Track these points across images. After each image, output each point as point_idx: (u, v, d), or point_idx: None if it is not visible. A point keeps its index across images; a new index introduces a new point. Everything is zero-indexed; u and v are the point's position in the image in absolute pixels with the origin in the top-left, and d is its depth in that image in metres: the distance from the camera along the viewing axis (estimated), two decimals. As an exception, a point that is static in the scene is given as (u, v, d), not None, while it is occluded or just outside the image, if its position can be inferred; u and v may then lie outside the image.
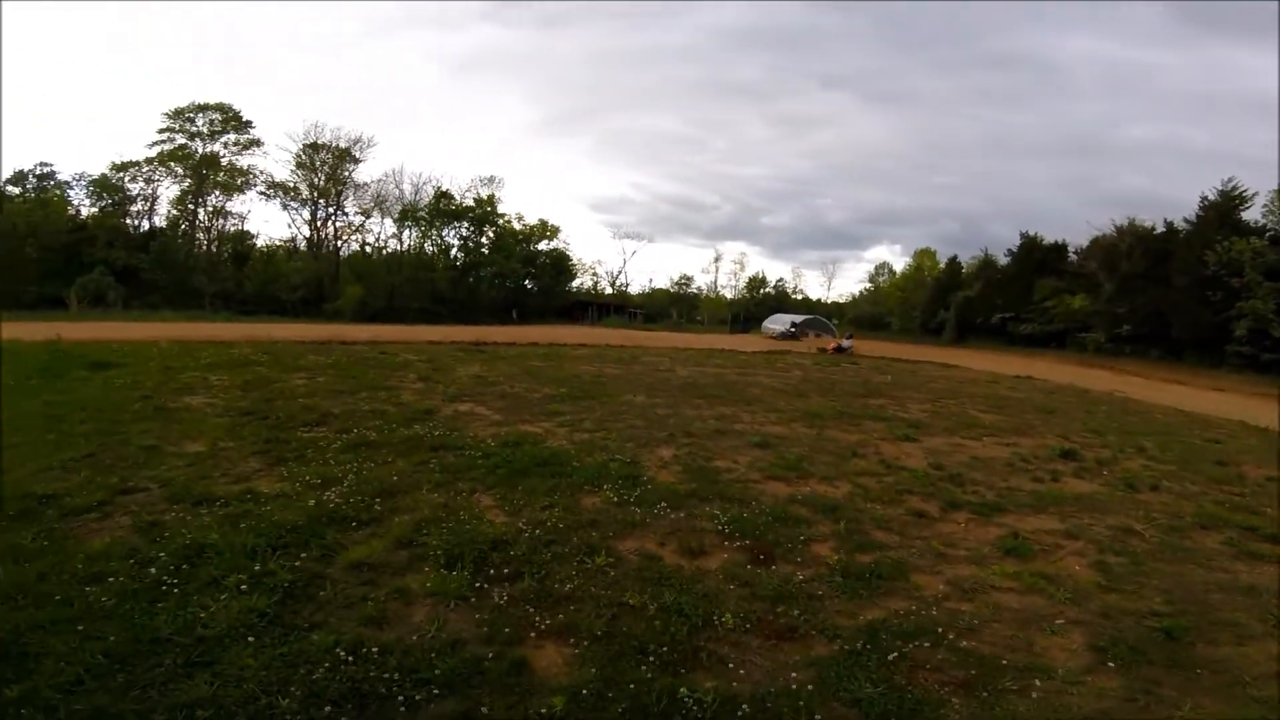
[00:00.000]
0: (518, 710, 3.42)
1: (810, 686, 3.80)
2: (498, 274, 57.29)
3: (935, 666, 4.12)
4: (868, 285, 79.70)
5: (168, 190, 50.34)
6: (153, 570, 4.49)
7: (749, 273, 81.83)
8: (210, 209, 51.64)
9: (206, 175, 49.86)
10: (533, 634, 4.15)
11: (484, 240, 59.30)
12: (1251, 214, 41.61)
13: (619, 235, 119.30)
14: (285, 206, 54.60)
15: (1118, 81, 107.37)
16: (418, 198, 56.78)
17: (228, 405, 10.36)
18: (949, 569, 5.74)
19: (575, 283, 69.79)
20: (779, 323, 56.56)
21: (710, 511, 6.59)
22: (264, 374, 13.82)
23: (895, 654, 4.19)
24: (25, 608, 3.94)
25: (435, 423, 9.86)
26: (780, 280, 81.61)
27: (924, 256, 71.18)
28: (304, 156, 53.20)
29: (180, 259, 47.07)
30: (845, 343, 37.15)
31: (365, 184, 55.84)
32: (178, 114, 49.57)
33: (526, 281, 61.06)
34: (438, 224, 57.48)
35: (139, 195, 49.62)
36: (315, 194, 54.23)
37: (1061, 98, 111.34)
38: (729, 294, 78.08)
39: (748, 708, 3.56)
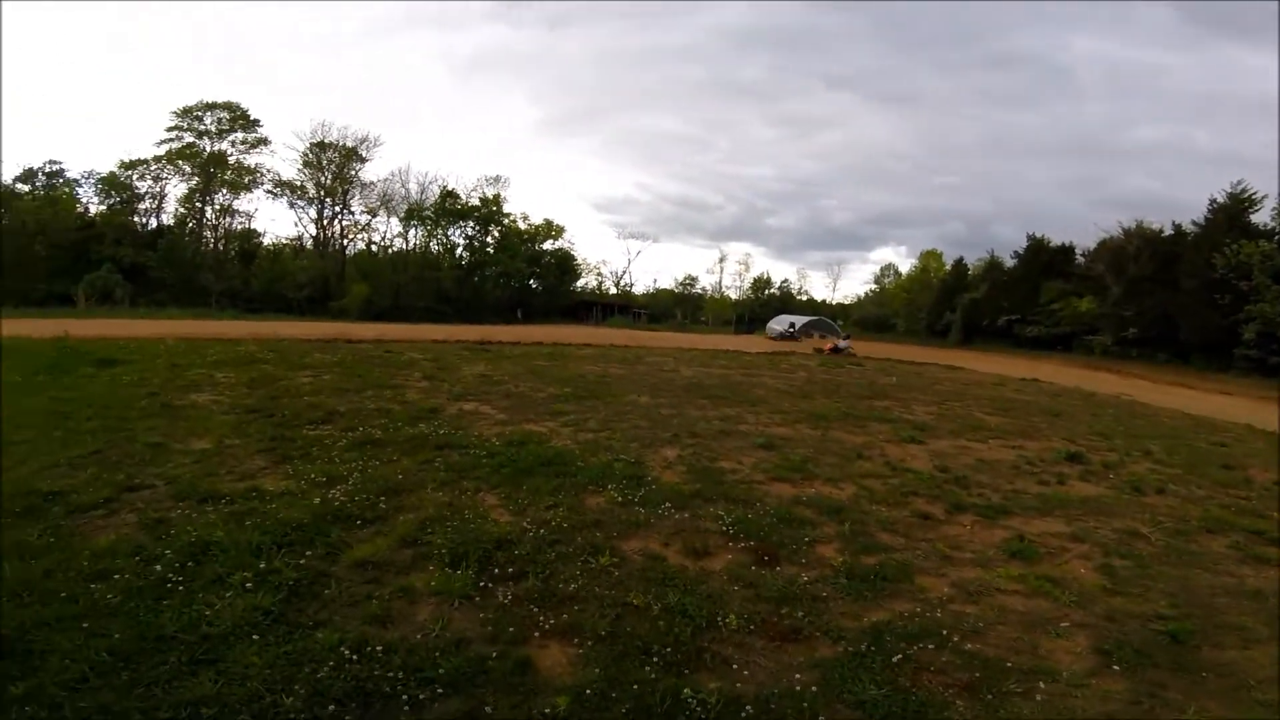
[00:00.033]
0: (522, 710, 3.41)
1: (814, 688, 3.78)
2: (503, 273, 57.46)
3: (939, 669, 4.10)
4: (873, 287, 79.81)
5: (175, 188, 50.83)
6: (158, 568, 4.49)
7: (754, 273, 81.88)
8: (217, 207, 52.06)
9: (214, 173, 50.16)
10: (537, 634, 4.14)
11: (489, 240, 59.52)
12: (1260, 216, 41.57)
13: (623, 235, 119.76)
14: (292, 205, 55.05)
15: (1124, 82, 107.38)
16: (424, 197, 57.09)
17: (234, 403, 10.39)
18: (954, 571, 5.72)
19: (580, 283, 70.05)
20: (783, 323, 56.58)
21: (714, 512, 6.57)
22: (270, 372, 13.86)
23: (900, 656, 4.17)
24: (31, 604, 3.95)
25: (440, 421, 9.87)
26: (785, 281, 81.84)
27: (930, 258, 71.23)
28: (311, 155, 53.54)
29: (187, 257, 47.37)
30: (842, 343, 37.16)
31: (372, 183, 56.26)
32: (186, 112, 49.95)
33: (531, 281, 61.24)
34: (443, 223, 57.72)
35: (147, 193, 50.16)
36: (322, 193, 54.51)
37: (1067, 98, 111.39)
38: (734, 295, 78.23)
39: (751, 709, 3.55)
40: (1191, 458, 12.01)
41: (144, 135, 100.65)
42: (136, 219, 49.41)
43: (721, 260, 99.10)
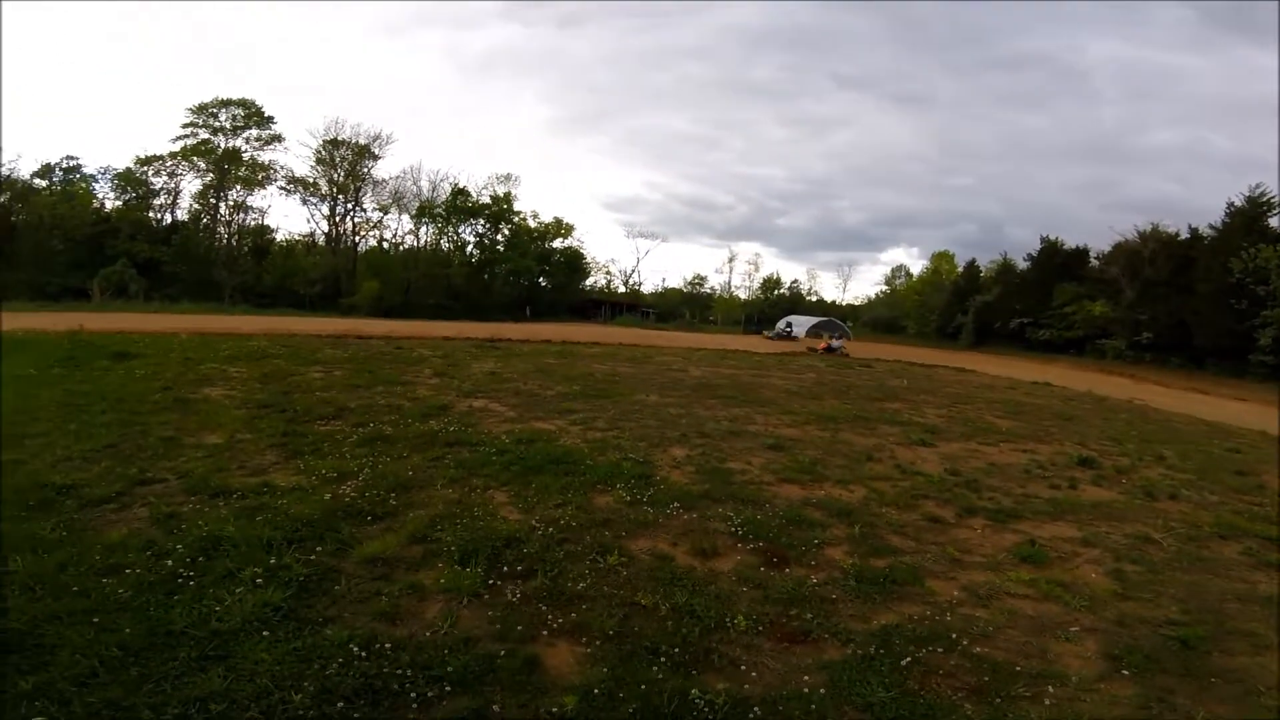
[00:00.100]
0: (529, 709, 3.42)
1: (822, 690, 3.78)
2: (512, 271, 57.59)
3: (948, 672, 4.09)
4: (884, 288, 79.47)
5: (190, 184, 51.12)
6: (169, 562, 4.51)
7: (763, 274, 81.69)
8: (231, 203, 52.31)
9: (228, 170, 50.45)
10: (545, 632, 4.15)
11: (499, 237, 59.61)
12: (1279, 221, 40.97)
13: (633, 234, 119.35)
14: (305, 202, 55.16)
15: (1140, 84, 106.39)
16: (435, 194, 57.19)
17: (246, 397, 10.46)
18: (964, 575, 5.69)
19: (588, 281, 70.02)
20: (793, 324, 56.59)
21: (723, 513, 6.57)
22: (282, 367, 13.96)
23: (908, 659, 4.16)
24: (43, 599, 3.97)
25: (450, 418, 9.90)
26: (795, 282, 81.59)
27: (941, 259, 70.88)
28: (324, 153, 53.73)
29: (201, 252, 47.75)
30: (835, 343, 37.12)
31: (384, 180, 56.35)
32: (201, 109, 50.24)
33: (540, 279, 61.30)
34: (454, 221, 57.87)
35: (162, 189, 50.47)
36: (334, 190, 54.71)
37: (1082, 100, 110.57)
38: (743, 295, 78.08)
39: (759, 710, 3.54)
40: (1205, 463, 11.92)
41: (160, 132, 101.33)
42: (151, 214, 49.78)
43: (731, 260, 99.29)
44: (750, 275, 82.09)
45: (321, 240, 55.62)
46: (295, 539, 5.08)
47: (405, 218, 57.77)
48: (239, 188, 51.74)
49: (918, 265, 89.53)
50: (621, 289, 75.13)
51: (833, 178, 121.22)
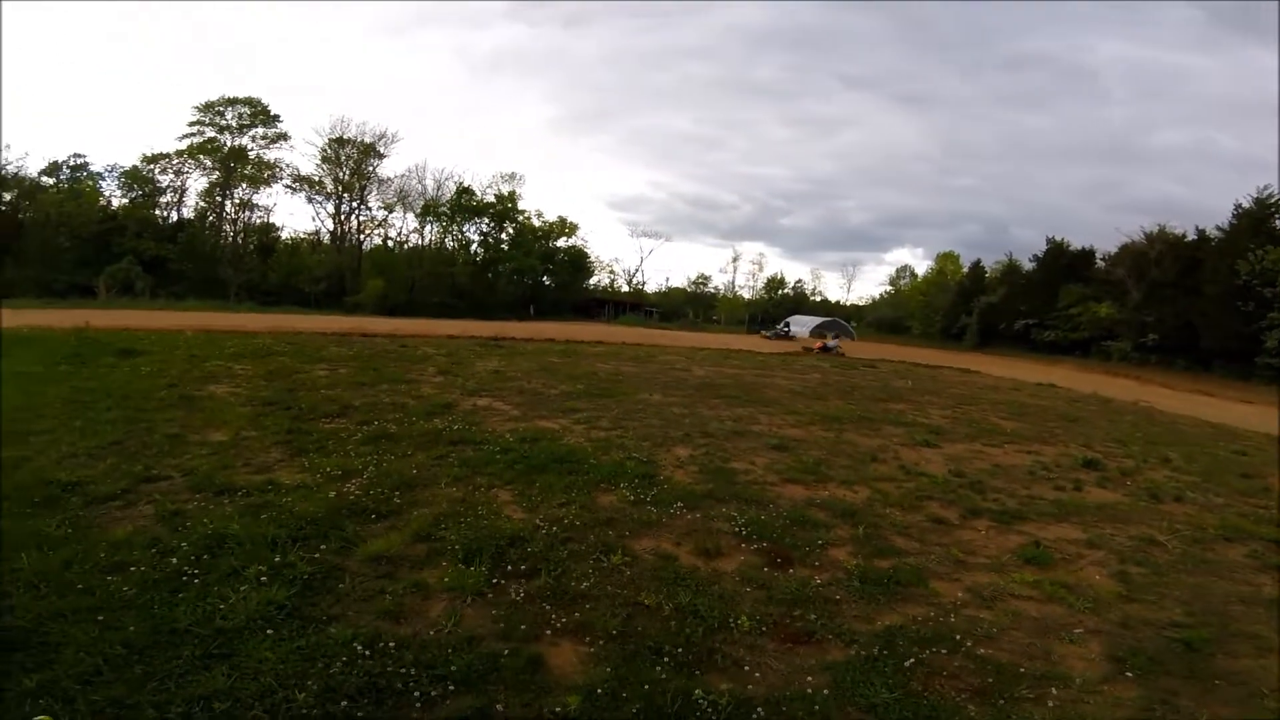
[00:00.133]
0: (533, 708, 3.41)
1: (826, 691, 3.77)
2: (516, 270, 57.60)
3: (952, 673, 4.09)
4: (888, 288, 79.28)
5: (196, 182, 51.25)
6: (174, 560, 4.52)
7: (767, 273, 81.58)
8: (237, 201, 52.40)
9: (234, 168, 50.55)
10: (549, 631, 4.15)
11: (504, 236, 59.63)
12: (1286, 222, 40.72)
13: (637, 233, 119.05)
14: (310, 200, 55.24)
15: (1147, 85, 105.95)
16: (440, 193, 57.22)
17: (251, 395, 10.49)
18: (968, 576, 5.68)
19: (592, 280, 69.99)
20: (798, 324, 56.58)
21: (727, 513, 6.56)
22: (287, 364, 14.00)
23: (912, 660, 4.16)
24: (48, 596, 3.97)
25: (454, 417, 9.91)
26: (799, 281, 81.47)
27: (946, 260, 70.73)
28: (329, 151, 53.81)
29: (207, 250, 47.88)
30: (831, 342, 37.12)
31: (389, 179, 56.41)
32: (208, 107, 50.37)
33: (544, 278, 61.33)
34: (459, 219, 57.92)
35: (168, 187, 50.57)
36: (340, 188, 54.80)
37: (1088, 101, 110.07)
38: (747, 294, 77.96)
39: (762, 710, 3.54)
40: (1210, 466, 11.88)
41: (162, 132, 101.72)
42: (158, 212, 49.88)
43: (735, 260, 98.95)
44: (754, 275, 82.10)
45: (326, 238, 55.75)
46: (300, 537, 5.09)
47: (410, 216, 57.86)
48: (245, 186, 51.87)
49: (922, 266, 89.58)
50: (625, 288, 75.13)
51: (837, 177, 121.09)
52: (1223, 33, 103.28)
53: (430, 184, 57.59)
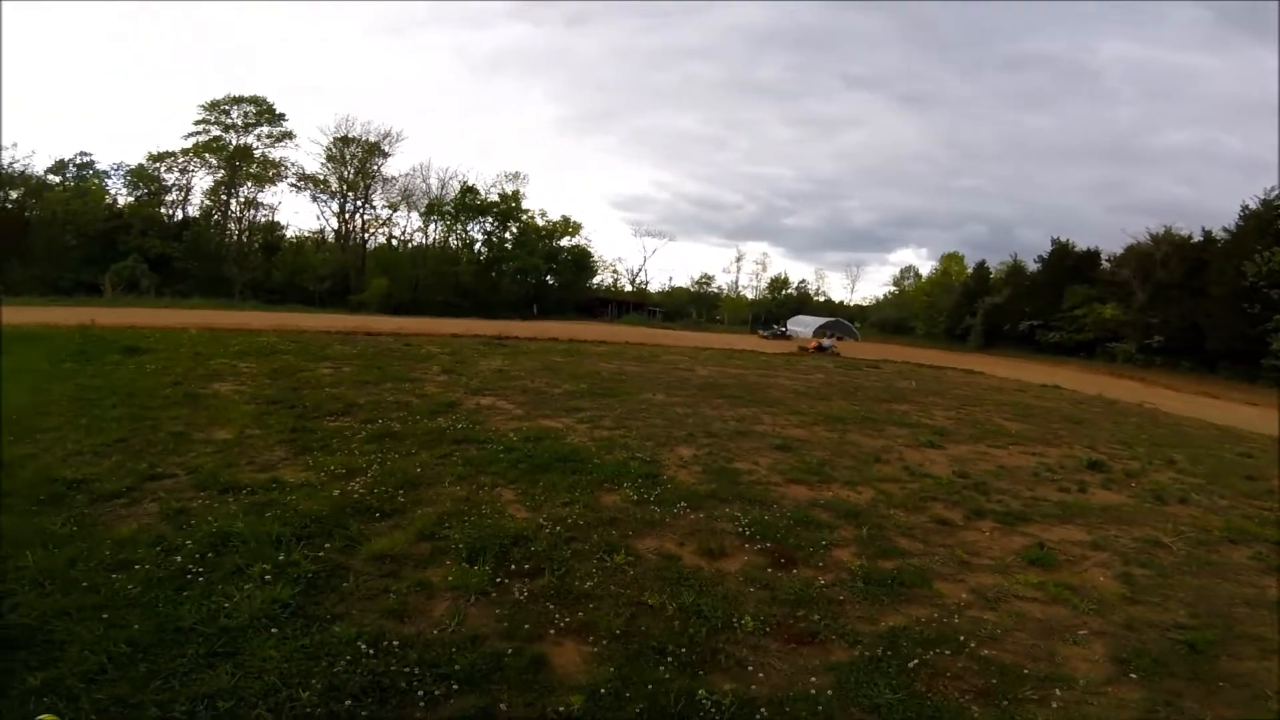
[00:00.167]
0: (536, 708, 3.42)
1: (829, 692, 3.77)
2: (519, 269, 57.63)
3: (956, 674, 4.08)
4: (892, 289, 79.10)
5: (202, 181, 51.40)
6: (178, 558, 4.52)
7: (771, 273, 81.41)
8: (242, 200, 52.54)
9: (239, 167, 50.67)
10: (552, 631, 4.15)
11: (507, 235, 59.67)
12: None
13: (640, 233, 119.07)
14: (315, 199, 55.35)
15: (1152, 85, 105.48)
16: (444, 192, 57.28)
17: (255, 393, 10.51)
18: (972, 577, 5.67)
19: (595, 280, 70.00)
20: (801, 325, 56.58)
21: (730, 513, 6.56)
22: (291, 363, 14.03)
23: (916, 661, 4.15)
24: (53, 594, 3.98)
25: (458, 415, 9.92)
26: (803, 282, 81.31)
27: (951, 261, 70.58)
28: (334, 150, 53.89)
29: (212, 248, 48.03)
30: (825, 342, 37.12)
31: (393, 178, 56.47)
32: (213, 106, 50.50)
33: (548, 277, 61.36)
34: (463, 218, 57.96)
35: (174, 185, 50.73)
36: (344, 187, 54.89)
37: (1094, 101, 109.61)
38: (750, 294, 77.85)
39: (766, 711, 3.54)
40: (1215, 468, 11.84)
41: (163, 131, 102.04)
42: (163, 210, 50.05)
43: (738, 259, 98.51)
44: (758, 275, 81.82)
45: (331, 237, 55.87)
46: (304, 535, 5.10)
47: (414, 215, 57.94)
48: (250, 184, 52.01)
49: (926, 266, 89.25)
50: (628, 288, 75.03)
51: (841, 178, 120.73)
52: (1230, 33, 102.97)
53: (434, 183, 57.75)
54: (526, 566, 4.96)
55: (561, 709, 3.41)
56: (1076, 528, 7.33)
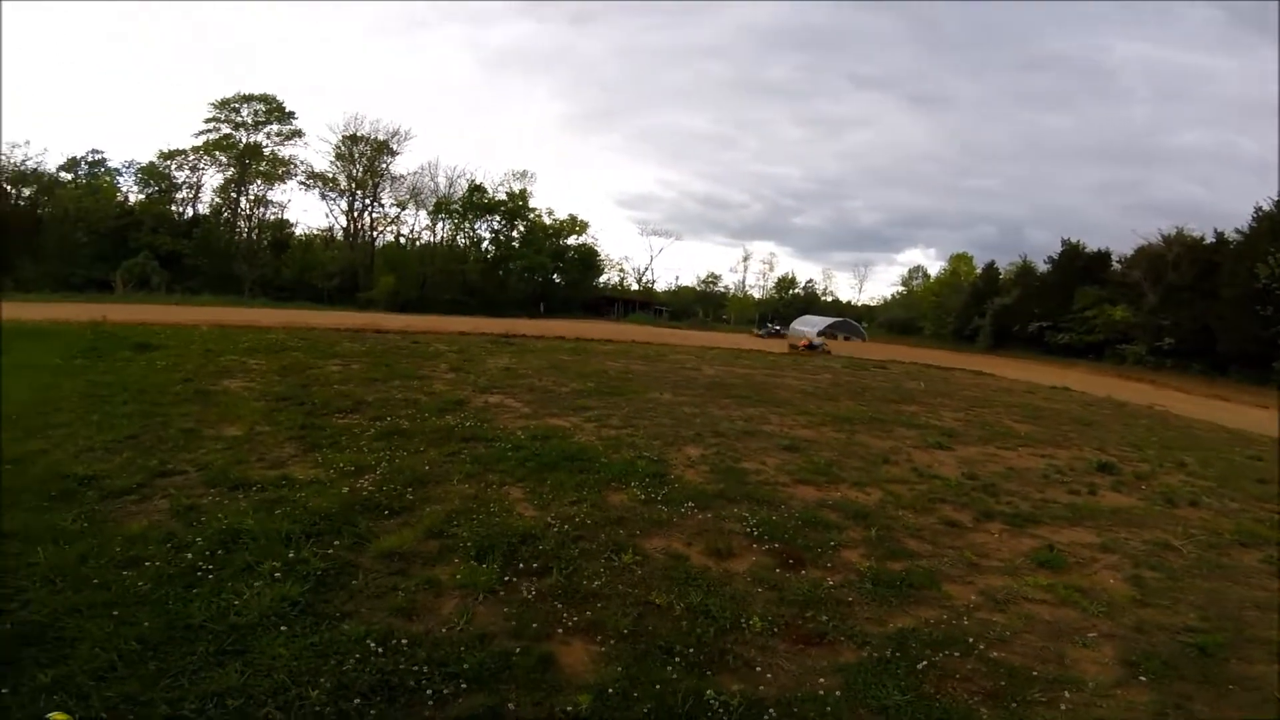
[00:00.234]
0: (544, 707, 3.42)
1: (838, 693, 3.76)
2: (527, 268, 57.76)
3: (964, 676, 4.07)
4: (900, 289, 78.85)
5: (212, 178, 51.65)
6: (189, 555, 4.54)
7: (778, 273, 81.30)
8: (252, 197, 52.81)
9: (249, 164, 50.90)
10: (560, 630, 4.15)
11: (514, 234, 59.76)
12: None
13: (646, 232, 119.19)
14: (324, 197, 55.66)
15: (1167, 86, 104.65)
16: (451, 190, 57.40)
17: (265, 390, 10.56)
18: (981, 579, 5.65)
19: (602, 278, 69.99)
20: (807, 324, 56.49)
21: (738, 513, 6.54)
22: (300, 360, 14.10)
23: (924, 663, 4.14)
24: (63, 591, 3.99)
25: (466, 413, 9.95)
26: (810, 281, 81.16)
27: (960, 261, 70.29)
28: (343, 148, 54.13)
29: (222, 246, 48.32)
30: (817, 341, 37.10)
31: (401, 176, 56.64)
32: (224, 104, 50.72)
33: (555, 276, 61.44)
34: (470, 217, 58.10)
35: (184, 183, 50.99)
36: (353, 185, 55.08)
37: (1106, 102, 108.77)
38: (757, 294, 77.72)
39: (774, 712, 3.53)
40: (1226, 471, 11.76)
41: (179, 128, 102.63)
42: (174, 208, 50.35)
43: (745, 259, 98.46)
44: (765, 275, 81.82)
45: (339, 235, 56.12)
46: (313, 533, 5.11)
47: (422, 213, 58.13)
48: (259, 182, 52.27)
49: (935, 266, 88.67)
50: (635, 287, 75.05)
51: (849, 177, 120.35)
52: (1244, 33, 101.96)
53: (442, 181, 57.87)
54: (534, 565, 4.96)
55: (569, 708, 3.41)
56: (1086, 530, 7.29)
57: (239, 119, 51.08)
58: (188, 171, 50.70)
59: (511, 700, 3.43)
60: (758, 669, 3.95)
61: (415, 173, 57.97)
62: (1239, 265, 39.71)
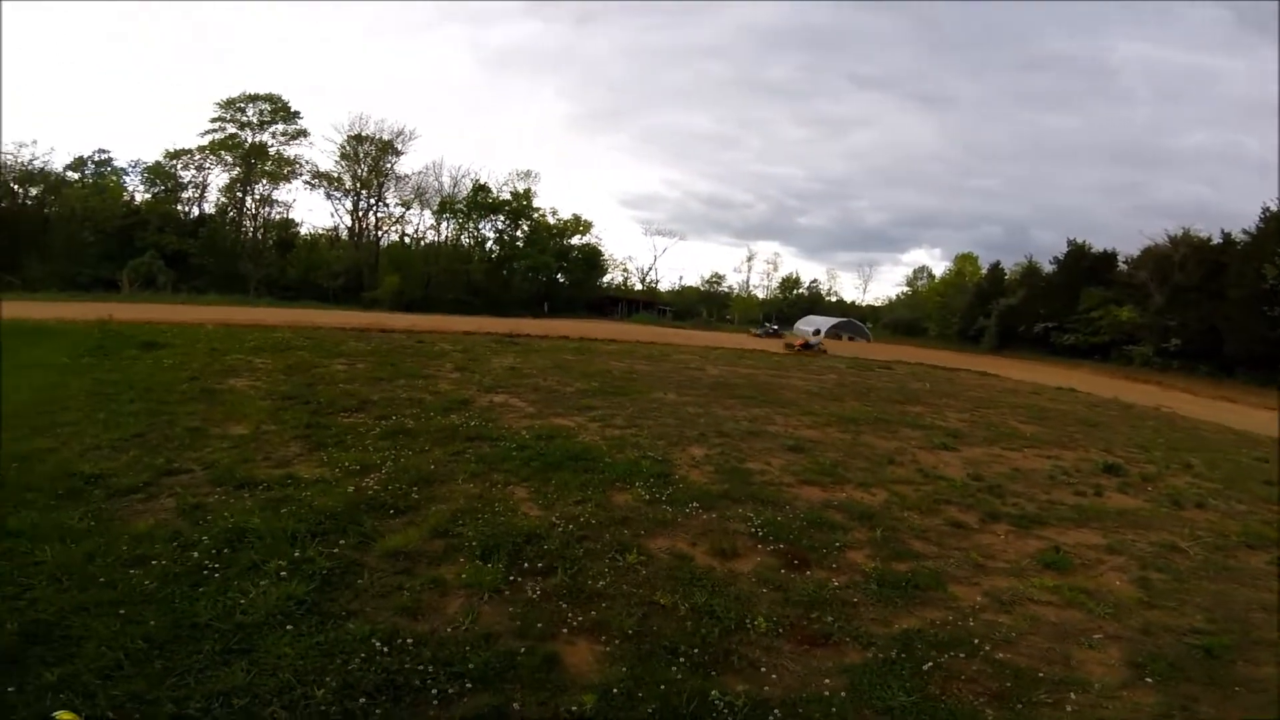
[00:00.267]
0: (549, 707, 3.42)
1: (843, 693, 3.76)
2: (531, 267, 57.78)
3: (970, 677, 4.06)
4: (905, 289, 78.63)
5: (217, 178, 51.75)
6: (195, 554, 4.55)
7: (782, 273, 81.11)
8: (257, 197, 52.88)
9: (254, 164, 51.00)
10: (564, 630, 4.15)
11: (519, 234, 59.79)
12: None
13: (650, 232, 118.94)
14: (329, 196, 55.63)
15: (1170, 86, 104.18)
16: (456, 190, 57.44)
17: (270, 389, 10.58)
18: (987, 580, 5.64)
19: (606, 278, 69.96)
20: (811, 324, 56.47)
21: (743, 513, 6.54)
22: (305, 359, 14.12)
23: (930, 664, 4.14)
24: (70, 589, 4.00)
25: (471, 413, 9.95)
26: (814, 282, 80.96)
27: (965, 261, 70.08)
28: (348, 148, 54.14)
29: (227, 245, 48.45)
30: (813, 340, 37.05)
31: (406, 176, 56.67)
32: (229, 104, 50.81)
33: (559, 275, 61.48)
34: (475, 217, 58.13)
35: (190, 182, 51.11)
36: (358, 185, 55.15)
37: (1111, 102, 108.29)
38: (761, 294, 77.54)
39: (779, 712, 3.53)
40: (1233, 472, 11.73)
41: (182, 127, 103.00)
42: (180, 207, 50.47)
43: (749, 259, 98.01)
44: (769, 275, 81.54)
45: (344, 234, 56.18)
46: (319, 531, 5.12)
47: (427, 213, 58.13)
48: (265, 181, 52.36)
49: (940, 267, 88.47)
50: (638, 287, 74.94)
51: (852, 177, 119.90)
52: (1251, 34, 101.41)
53: (446, 181, 57.87)
54: (539, 565, 4.97)
55: (574, 708, 3.42)
56: (1092, 531, 7.27)
57: (244, 118, 51.18)
58: (193, 171, 50.83)
59: (516, 700, 3.44)
60: (763, 669, 3.95)
61: (420, 172, 58.08)
62: (1246, 266, 39.52)
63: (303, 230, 55.47)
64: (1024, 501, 8.15)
